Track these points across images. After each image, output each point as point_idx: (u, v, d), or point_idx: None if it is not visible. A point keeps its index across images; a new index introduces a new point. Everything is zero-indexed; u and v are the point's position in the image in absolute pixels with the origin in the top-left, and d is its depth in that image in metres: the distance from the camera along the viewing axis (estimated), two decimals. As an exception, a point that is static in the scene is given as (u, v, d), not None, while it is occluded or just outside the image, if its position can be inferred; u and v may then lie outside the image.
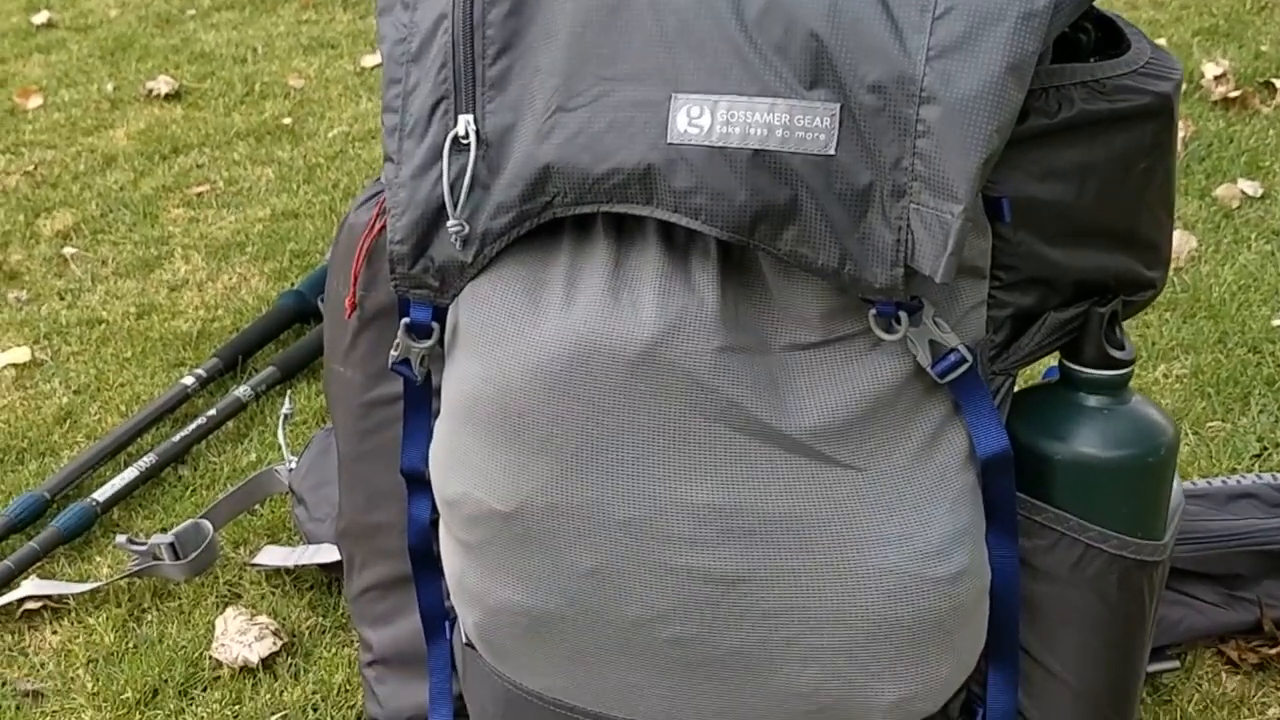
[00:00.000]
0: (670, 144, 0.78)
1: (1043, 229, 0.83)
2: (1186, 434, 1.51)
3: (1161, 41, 2.54)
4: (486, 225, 0.83)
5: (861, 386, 0.81)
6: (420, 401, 0.93)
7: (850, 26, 0.74)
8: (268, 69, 2.80)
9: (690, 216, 0.78)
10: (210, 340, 1.82)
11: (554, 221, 0.83)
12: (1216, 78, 2.34)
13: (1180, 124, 2.19)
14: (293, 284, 1.92)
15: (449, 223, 0.83)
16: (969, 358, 0.81)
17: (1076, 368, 0.89)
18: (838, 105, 0.75)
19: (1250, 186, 2.01)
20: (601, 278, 0.82)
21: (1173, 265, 1.82)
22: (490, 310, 0.85)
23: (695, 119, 0.77)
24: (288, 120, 2.54)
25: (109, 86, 2.77)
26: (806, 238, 0.77)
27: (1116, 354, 0.88)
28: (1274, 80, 2.32)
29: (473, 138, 0.82)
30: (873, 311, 0.80)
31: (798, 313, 0.81)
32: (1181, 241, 1.88)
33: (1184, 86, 2.33)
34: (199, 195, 2.27)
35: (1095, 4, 0.90)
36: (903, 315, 0.79)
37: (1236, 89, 2.31)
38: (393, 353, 0.90)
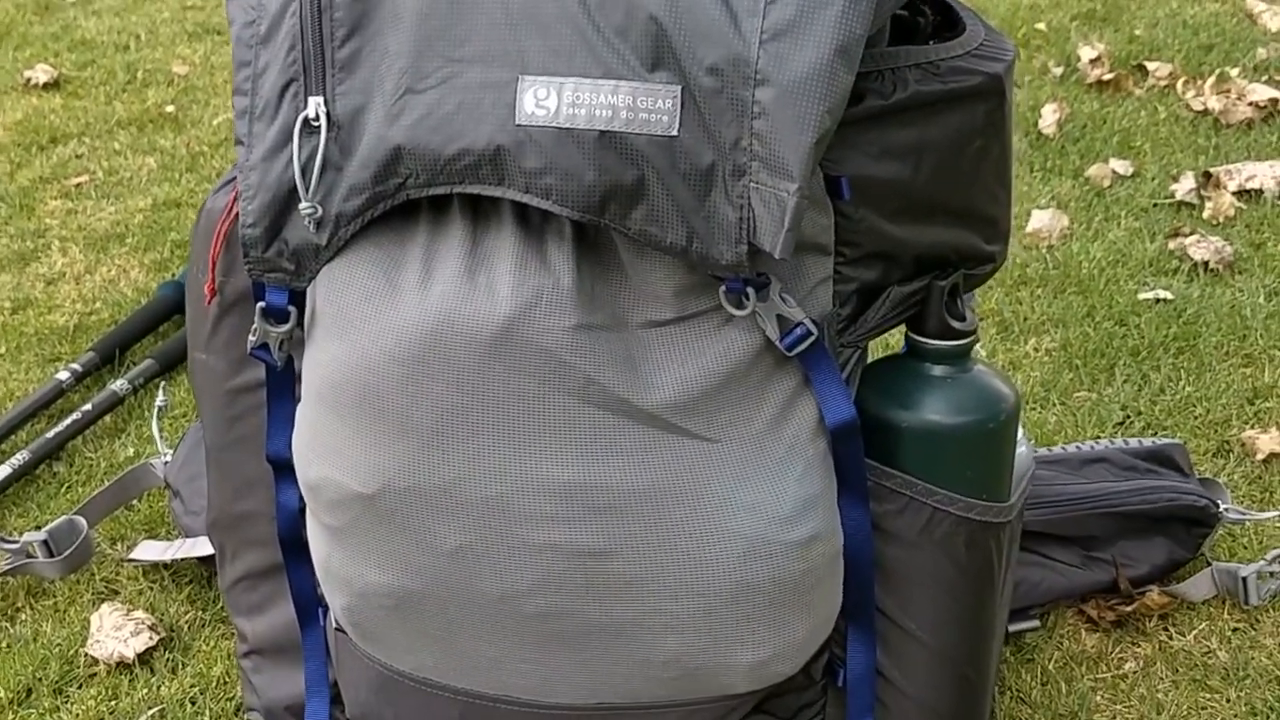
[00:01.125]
0: (519, 125, 0.79)
1: (882, 206, 0.86)
2: (1054, 404, 1.56)
3: (1041, 26, 2.60)
4: (340, 207, 0.84)
5: (714, 361, 0.83)
6: (282, 387, 0.94)
7: (688, 10, 0.76)
8: (151, 56, 2.75)
9: (541, 196, 0.80)
10: (88, 334, 1.80)
11: (410, 203, 0.84)
12: (1092, 61, 2.40)
13: (1056, 105, 2.25)
14: (174, 275, 1.90)
15: (301, 205, 0.84)
16: (814, 331, 0.83)
17: (920, 339, 0.92)
18: (679, 87, 0.77)
19: (1121, 166, 2.07)
20: (458, 258, 0.83)
21: (1045, 243, 1.87)
22: (347, 292, 0.85)
23: (542, 100, 0.78)
24: (171, 108, 2.50)
25: (-14, 76, 2.71)
26: (655, 217, 0.79)
27: (957, 325, 0.91)
28: (1146, 63, 2.39)
29: (323, 120, 0.83)
30: (723, 288, 0.82)
31: (652, 290, 0.83)
32: (1054, 220, 1.93)
33: (1061, 70, 2.39)
34: (78, 186, 2.23)
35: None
36: (750, 291, 0.81)
37: (1111, 72, 2.37)
38: (251, 338, 0.90)
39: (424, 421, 0.84)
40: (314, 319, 0.88)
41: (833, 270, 0.87)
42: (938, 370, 0.92)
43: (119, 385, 1.60)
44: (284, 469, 0.96)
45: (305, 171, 0.83)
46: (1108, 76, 2.36)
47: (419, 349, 0.82)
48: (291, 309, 0.89)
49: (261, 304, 0.89)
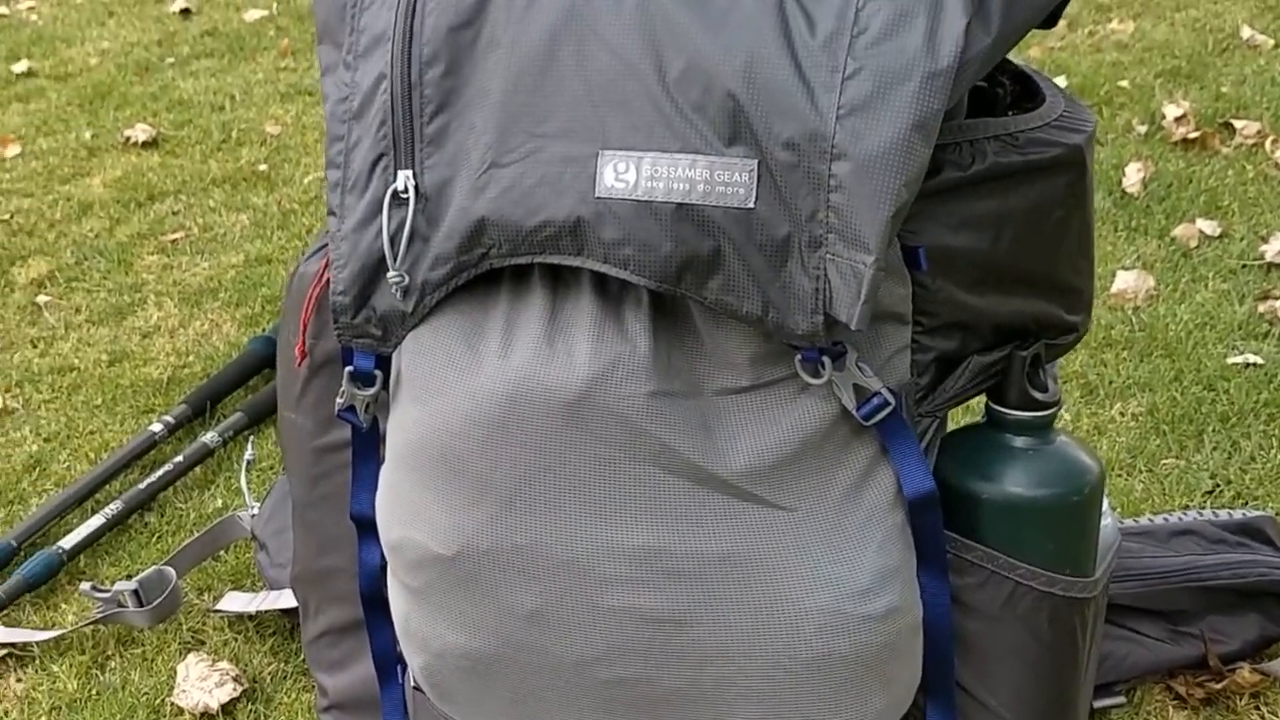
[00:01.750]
0: (598, 198, 0.80)
1: (960, 276, 0.86)
2: (1141, 471, 1.53)
3: (1124, 83, 2.58)
4: (426, 276, 0.86)
5: (790, 429, 0.84)
6: (368, 448, 0.96)
7: (765, 87, 0.77)
8: (245, 116, 2.83)
9: (619, 267, 0.81)
10: (180, 386, 1.84)
11: (492, 272, 0.85)
12: (1177, 119, 2.38)
13: (1140, 164, 2.23)
14: (264, 329, 1.94)
15: (389, 274, 0.86)
16: (891, 400, 0.83)
17: (1001, 409, 0.92)
18: (755, 161, 0.78)
19: (1209, 226, 2.05)
20: (538, 326, 0.84)
21: (1131, 304, 1.85)
22: (431, 358, 0.87)
23: (622, 174, 0.80)
24: (263, 166, 2.57)
25: (87, 134, 2.80)
26: (731, 286, 0.80)
27: (1039, 396, 0.91)
28: (1233, 121, 2.36)
29: (411, 192, 0.85)
30: (798, 357, 0.82)
31: (728, 358, 0.84)
32: (1139, 281, 1.91)
33: (1145, 127, 2.38)
34: (173, 242, 2.30)
35: (1016, 59, 0.93)
36: (826, 360, 0.82)
37: (1196, 130, 2.34)
38: (338, 400, 0.92)
39: (502, 485, 0.85)
40: (399, 383, 0.90)
41: (910, 339, 0.87)
42: (1019, 441, 0.92)
43: (209, 438, 1.64)
44: (367, 528, 0.98)
45: (394, 241, 0.85)
46: (1193, 135, 2.33)
47: (498, 413, 0.84)
48: (378, 373, 0.91)
49: (350, 368, 0.91)
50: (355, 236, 0.88)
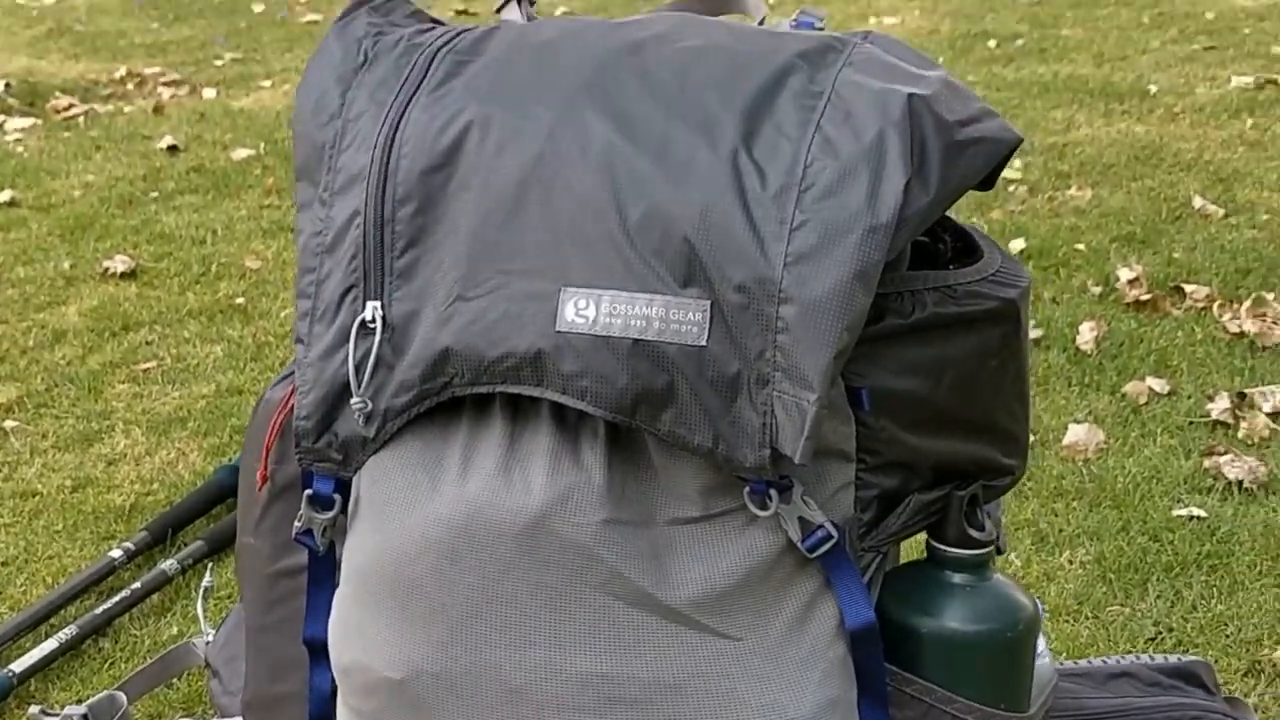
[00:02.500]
0: (559, 332, 0.84)
1: (902, 418, 0.90)
2: (1087, 617, 1.56)
3: (1081, 246, 2.68)
4: (388, 403, 0.89)
5: (738, 559, 0.87)
6: (324, 572, 0.98)
7: (719, 234, 0.82)
8: (225, 250, 2.89)
9: (577, 398, 0.85)
10: (143, 514, 1.86)
11: (454, 401, 0.89)
12: (1130, 281, 2.47)
13: (1094, 322, 2.30)
14: (230, 459, 1.96)
15: (353, 400, 0.89)
16: (834, 534, 0.86)
17: (940, 546, 0.95)
18: (708, 302, 0.82)
19: (1158, 384, 2.11)
20: (496, 454, 0.88)
21: (1082, 456, 1.90)
22: (390, 483, 0.90)
23: (582, 310, 0.84)
24: (241, 300, 2.61)
25: (66, 264, 2.84)
26: (683, 419, 0.84)
27: (976, 535, 0.94)
28: (1184, 286, 2.44)
29: (379, 322, 0.89)
30: (747, 489, 0.86)
31: (680, 489, 0.87)
32: (1090, 434, 1.96)
33: (1100, 289, 2.46)
34: (145, 371, 2.32)
35: (956, 216, 0.99)
36: (774, 493, 0.85)
37: (1149, 293, 2.43)
38: (296, 523, 0.95)
39: (454, 610, 0.87)
40: (356, 508, 0.93)
41: (854, 476, 0.91)
42: (957, 578, 0.95)
43: (168, 565, 1.65)
44: (319, 653, 0.99)
45: (359, 369, 0.89)
46: (1145, 297, 2.41)
47: (452, 539, 0.87)
48: (336, 497, 0.93)
49: (309, 491, 0.93)
50: (321, 363, 0.91)
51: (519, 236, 0.86)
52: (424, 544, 0.87)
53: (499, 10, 1.04)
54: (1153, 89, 3.73)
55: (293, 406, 1.00)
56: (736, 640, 0.87)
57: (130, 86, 4.59)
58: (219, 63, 4.92)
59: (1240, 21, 4.46)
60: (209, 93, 4.42)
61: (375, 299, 0.90)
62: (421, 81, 0.92)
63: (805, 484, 0.87)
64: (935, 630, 0.93)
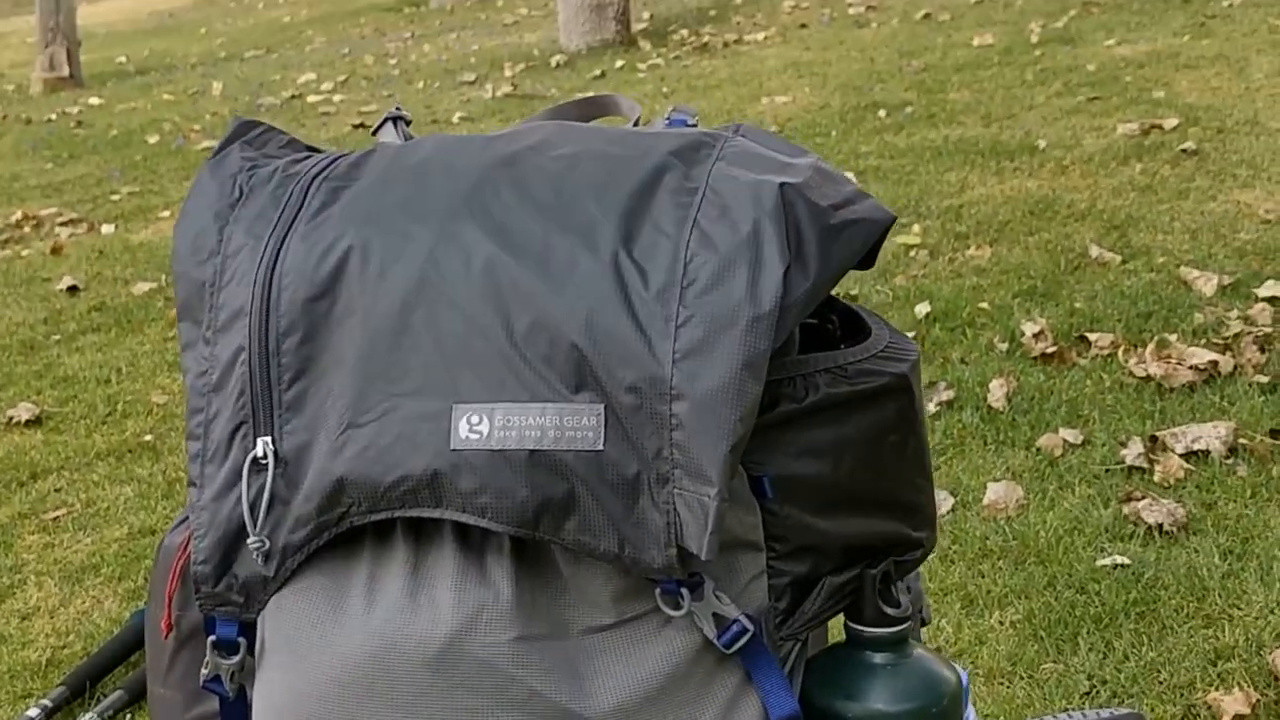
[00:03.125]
0: (454, 450, 0.84)
1: (806, 502, 0.90)
2: (1021, 677, 1.56)
3: (984, 305, 2.72)
4: (286, 539, 0.88)
5: (657, 663, 0.86)
6: (236, 719, 0.95)
7: (605, 337, 0.82)
8: (131, 388, 2.84)
9: (477, 515, 0.84)
10: (60, 668, 1.80)
11: (354, 530, 0.87)
12: (1035, 335, 2.51)
13: (1003, 379, 2.33)
14: (146, 603, 1.91)
15: (250, 540, 0.87)
16: (750, 627, 0.86)
17: (858, 627, 0.95)
18: (601, 406, 0.82)
19: (1071, 435, 2.14)
20: (401, 579, 0.86)
21: (1003, 514, 1.91)
22: (294, 621, 0.88)
23: (475, 425, 0.84)
24: (149, 437, 2.57)
25: (-31, 417, 2.79)
26: (587, 526, 0.83)
27: (892, 612, 0.94)
28: (1088, 335, 2.49)
29: (270, 458, 0.88)
30: (658, 590, 0.85)
31: (591, 597, 0.86)
32: (1009, 491, 1.98)
33: (1006, 345, 2.49)
34: (55, 520, 2.27)
35: (841, 296, 1.00)
36: (685, 592, 0.84)
37: (1054, 344, 2.46)
38: (203, 671, 0.92)
39: (371, 748, 0.85)
40: (262, 649, 0.91)
41: (765, 565, 0.90)
42: (878, 658, 0.94)
43: (89, 719, 1.59)
44: (239, 802, 0.96)
45: (254, 507, 0.87)
46: (1051, 349, 2.45)
47: (364, 672, 0.85)
48: (241, 640, 0.91)
49: (213, 637, 0.91)
50: (215, 505, 0.89)
51: (407, 358, 0.86)
52: (335, 681, 0.85)
53: (375, 132, 1.04)
54: (1041, 144, 3.82)
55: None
56: (662, 747, 0.86)
57: (27, 229, 4.55)
58: (115, 197, 4.90)
59: (1121, 70, 4.60)
60: (107, 228, 4.39)
61: (266, 434, 0.89)
62: (299, 211, 0.91)
63: (716, 579, 0.86)
64: (860, 713, 0.92)
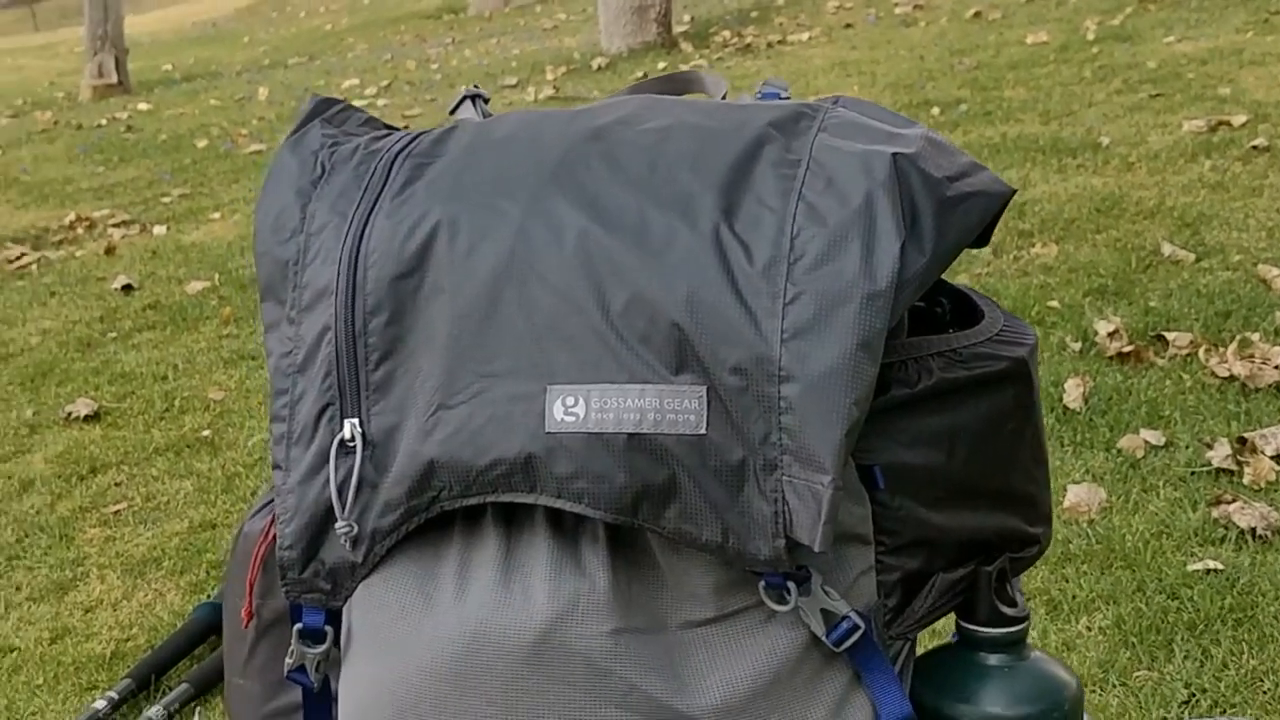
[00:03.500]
0: (549, 433, 0.80)
1: (919, 493, 0.85)
2: (1114, 685, 1.50)
3: (1054, 303, 2.65)
4: (375, 524, 0.84)
5: (760, 660, 0.82)
6: (319, 710, 0.92)
7: (708, 315, 0.78)
8: (188, 384, 2.83)
9: (574, 501, 0.80)
10: (124, 661, 1.78)
11: (444, 515, 0.84)
12: (1110, 334, 2.44)
13: (1079, 379, 2.27)
14: (209, 595, 1.89)
15: (338, 524, 0.84)
16: (861, 624, 0.81)
17: (972, 627, 0.90)
18: (704, 387, 0.78)
19: (1153, 436, 2.07)
20: (492, 567, 0.82)
21: (1085, 517, 1.85)
22: (382, 610, 0.85)
23: (571, 408, 0.80)
24: (207, 432, 2.56)
25: (28, 412, 2.78)
26: (688, 515, 0.79)
27: (1009, 611, 0.89)
28: (1165, 334, 2.42)
29: (358, 440, 0.84)
30: (762, 583, 0.80)
31: (690, 589, 0.82)
32: (1091, 494, 1.92)
33: (1080, 344, 2.43)
34: (116, 514, 2.26)
35: (949, 279, 0.95)
36: (792, 586, 0.80)
37: (1130, 344, 2.40)
38: (288, 660, 0.89)
39: (464, 740, 0.81)
40: (349, 639, 0.87)
41: (874, 560, 0.86)
42: (993, 659, 0.89)
43: (154, 712, 1.57)
44: (320, 798, 0.92)
45: (341, 491, 0.84)
46: (1127, 349, 2.38)
47: (456, 663, 0.81)
48: (328, 629, 0.88)
49: (299, 625, 0.88)
50: (302, 489, 0.86)
51: (498, 337, 0.82)
52: (426, 672, 0.82)
53: (453, 111, 1.01)
54: (1105, 141, 3.75)
55: (273, 538, 0.94)
56: (766, 748, 0.81)
57: (80, 230, 4.56)
58: (166, 199, 4.91)
59: (1183, 67, 4.51)
60: (159, 230, 4.39)
61: (353, 416, 0.85)
62: (383, 188, 0.88)
63: (824, 573, 0.82)
64: (975, 717, 0.87)
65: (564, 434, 0.79)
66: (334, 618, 0.88)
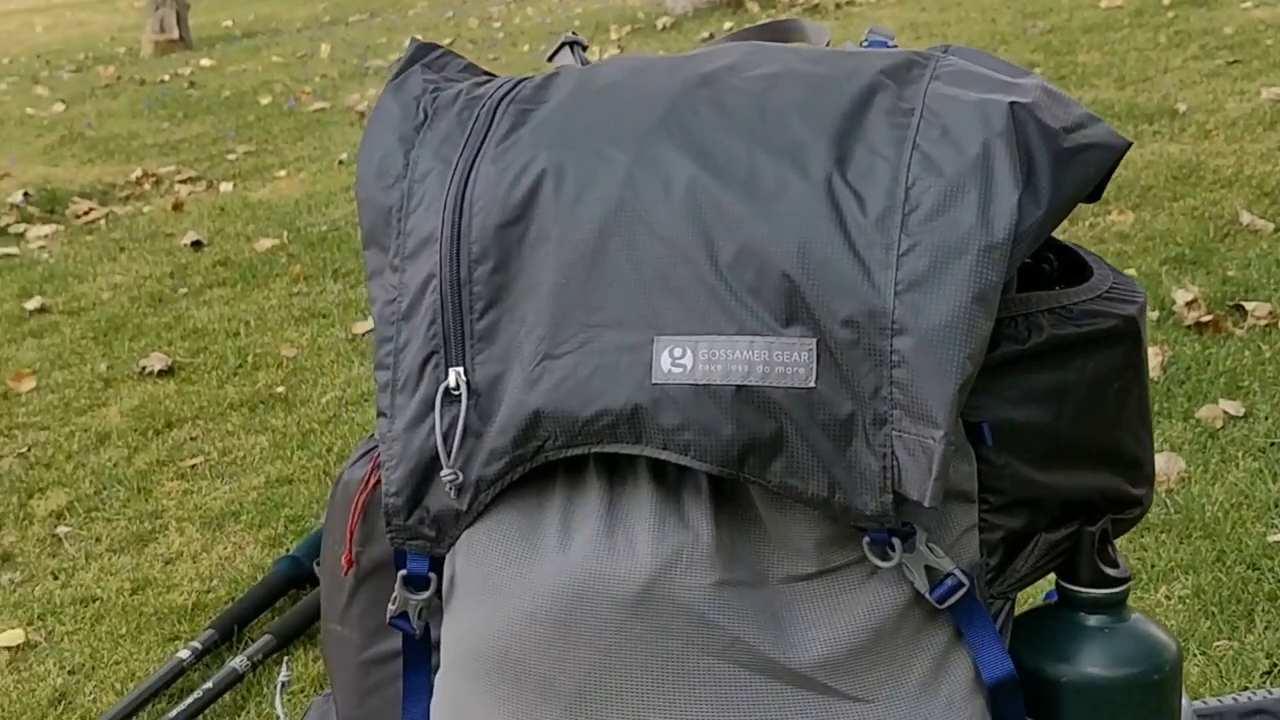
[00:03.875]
0: (655, 384, 0.80)
1: (1025, 451, 0.84)
2: (1194, 654, 1.49)
3: (1131, 271, 2.62)
4: (480, 472, 0.84)
5: (862, 616, 0.81)
6: (420, 657, 0.93)
7: (820, 266, 0.77)
8: (260, 341, 2.86)
9: (679, 452, 0.80)
10: (206, 612, 1.81)
11: (546, 465, 0.84)
12: (1188, 303, 2.40)
13: (1157, 349, 2.23)
14: (287, 550, 1.91)
15: (443, 472, 0.84)
16: (965, 581, 0.81)
17: (1074, 588, 0.89)
18: (814, 340, 0.77)
19: (1232, 406, 2.04)
20: (596, 517, 0.83)
21: (1164, 486, 1.83)
22: (486, 558, 0.85)
23: (678, 359, 0.79)
24: (281, 389, 2.58)
25: (102, 366, 2.82)
26: (795, 468, 0.78)
27: (1111, 572, 0.88)
28: (1244, 303, 2.38)
29: (464, 389, 0.84)
30: (866, 539, 0.80)
31: (793, 544, 0.82)
32: (1169, 464, 1.89)
33: (1157, 313, 2.39)
34: (193, 467, 2.28)
35: (1056, 235, 0.94)
36: (896, 542, 0.80)
37: (1208, 313, 2.36)
38: (390, 606, 0.90)
39: (567, 686, 0.82)
40: (453, 586, 0.88)
41: (978, 518, 0.85)
42: (1093, 620, 0.89)
43: (238, 662, 1.59)
44: (419, 743, 0.94)
45: (446, 439, 0.84)
46: (1206, 318, 2.35)
47: (561, 611, 0.82)
48: (432, 576, 0.88)
49: (402, 572, 0.88)
50: (407, 436, 0.86)
51: (604, 287, 0.82)
52: (531, 618, 0.82)
53: (550, 58, 1.00)
54: (1181, 107, 3.69)
55: (373, 486, 0.96)
56: (867, 703, 0.81)
57: (147, 186, 4.61)
58: (232, 156, 4.94)
59: (1261, 34, 4.42)
60: (225, 186, 4.43)
61: (458, 364, 0.85)
62: (486, 134, 0.87)
63: (928, 530, 0.81)
64: (1076, 677, 0.87)
65: (671, 385, 0.79)
66: (437, 565, 0.88)
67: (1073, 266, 0.92)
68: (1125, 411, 0.88)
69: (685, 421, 0.79)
